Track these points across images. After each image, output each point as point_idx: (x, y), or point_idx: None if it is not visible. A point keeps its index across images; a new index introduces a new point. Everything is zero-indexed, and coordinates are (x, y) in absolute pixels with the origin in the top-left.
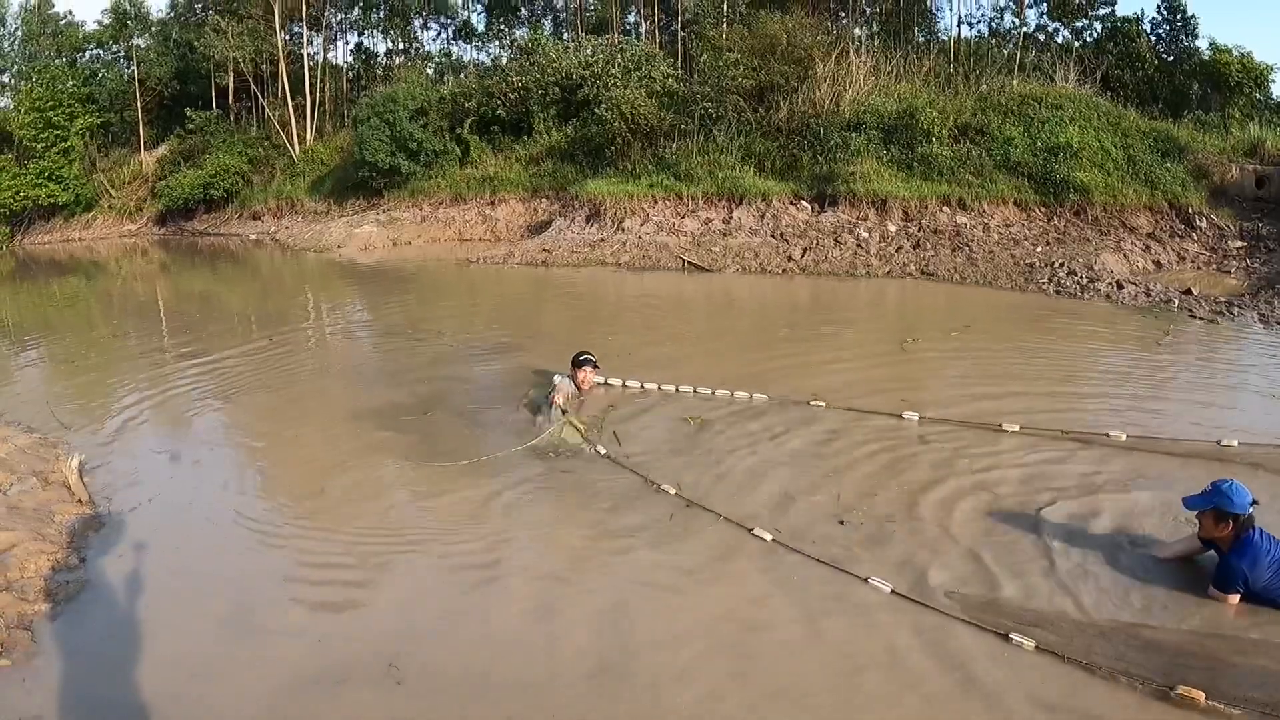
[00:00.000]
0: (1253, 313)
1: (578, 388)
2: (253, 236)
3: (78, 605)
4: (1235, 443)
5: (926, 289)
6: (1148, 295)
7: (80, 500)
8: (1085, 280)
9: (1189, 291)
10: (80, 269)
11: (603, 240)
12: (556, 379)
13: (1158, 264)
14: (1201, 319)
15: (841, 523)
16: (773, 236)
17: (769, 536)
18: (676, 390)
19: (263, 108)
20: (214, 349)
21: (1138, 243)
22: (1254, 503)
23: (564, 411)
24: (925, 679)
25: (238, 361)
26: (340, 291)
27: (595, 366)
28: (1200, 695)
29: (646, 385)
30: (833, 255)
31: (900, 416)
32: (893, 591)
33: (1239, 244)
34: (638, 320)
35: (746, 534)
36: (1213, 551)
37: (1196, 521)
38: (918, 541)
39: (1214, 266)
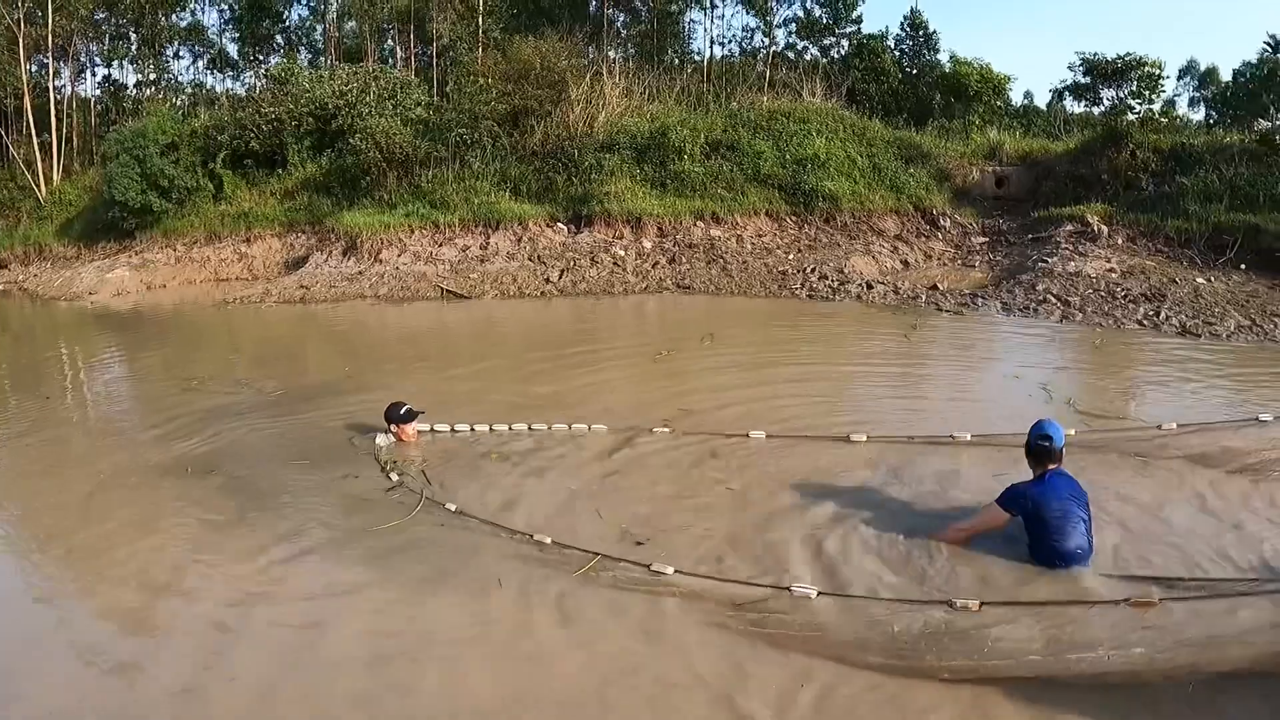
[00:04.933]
0: (995, 302)
1: (400, 440)
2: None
3: None
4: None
5: (684, 302)
6: (896, 293)
7: None
8: (836, 283)
9: (935, 287)
10: None
11: (360, 273)
12: (379, 438)
13: (906, 263)
14: (948, 311)
15: (640, 544)
16: (530, 260)
17: (671, 570)
18: (510, 429)
19: (6, 146)
20: None
21: (886, 245)
22: (1043, 439)
23: (395, 472)
24: None
25: None
26: (93, 342)
27: (419, 413)
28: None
29: (467, 427)
30: (590, 275)
31: (747, 435)
32: (819, 594)
33: (982, 240)
34: (405, 355)
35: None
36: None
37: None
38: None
39: (959, 262)
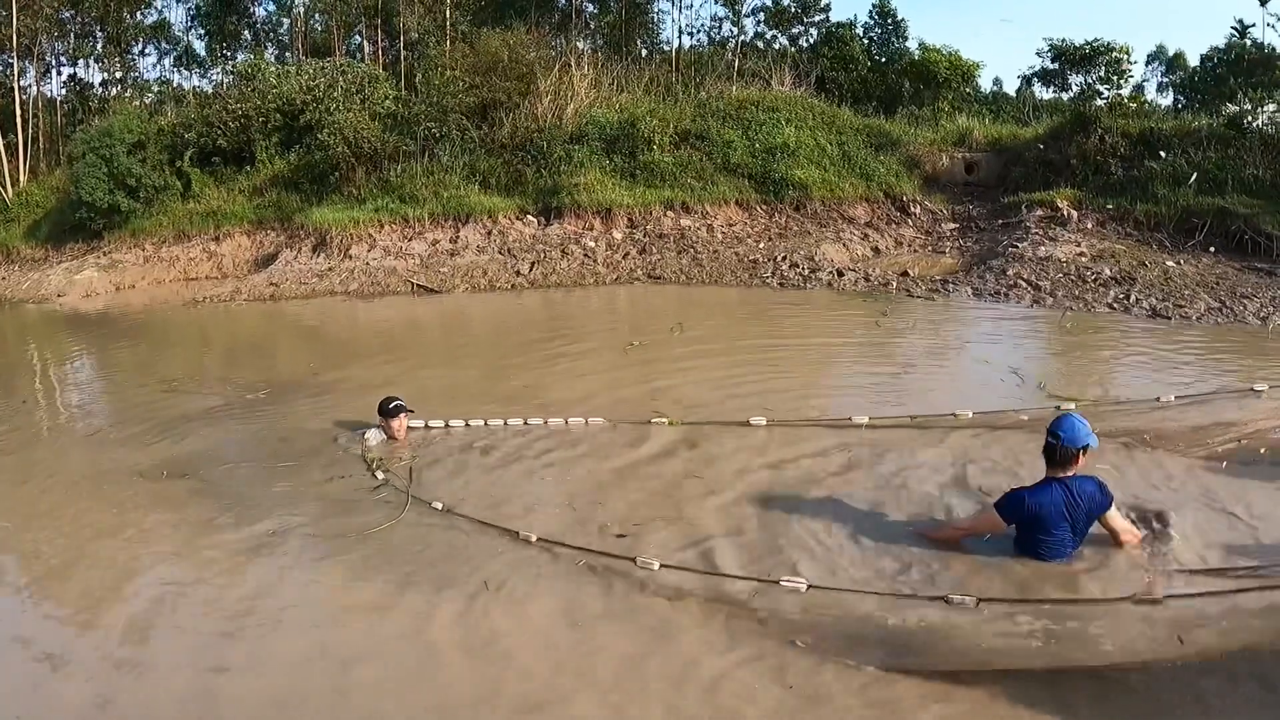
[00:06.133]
0: (966, 287)
1: (391, 437)
2: None
3: None
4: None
5: (655, 292)
6: (867, 280)
7: None
8: (807, 271)
9: (906, 273)
10: None
11: (330, 270)
12: (367, 434)
13: (876, 250)
14: (919, 297)
15: (621, 535)
16: (500, 253)
17: (656, 564)
18: (505, 424)
19: None
20: None
21: (856, 232)
22: (1051, 436)
23: (381, 470)
24: None
25: None
26: (65, 345)
27: (409, 411)
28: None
29: (461, 423)
30: (560, 267)
31: (747, 423)
32: (810, 587)
33: (952, 226)
34: (378, 351)
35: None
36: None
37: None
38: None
39: (930, 248)
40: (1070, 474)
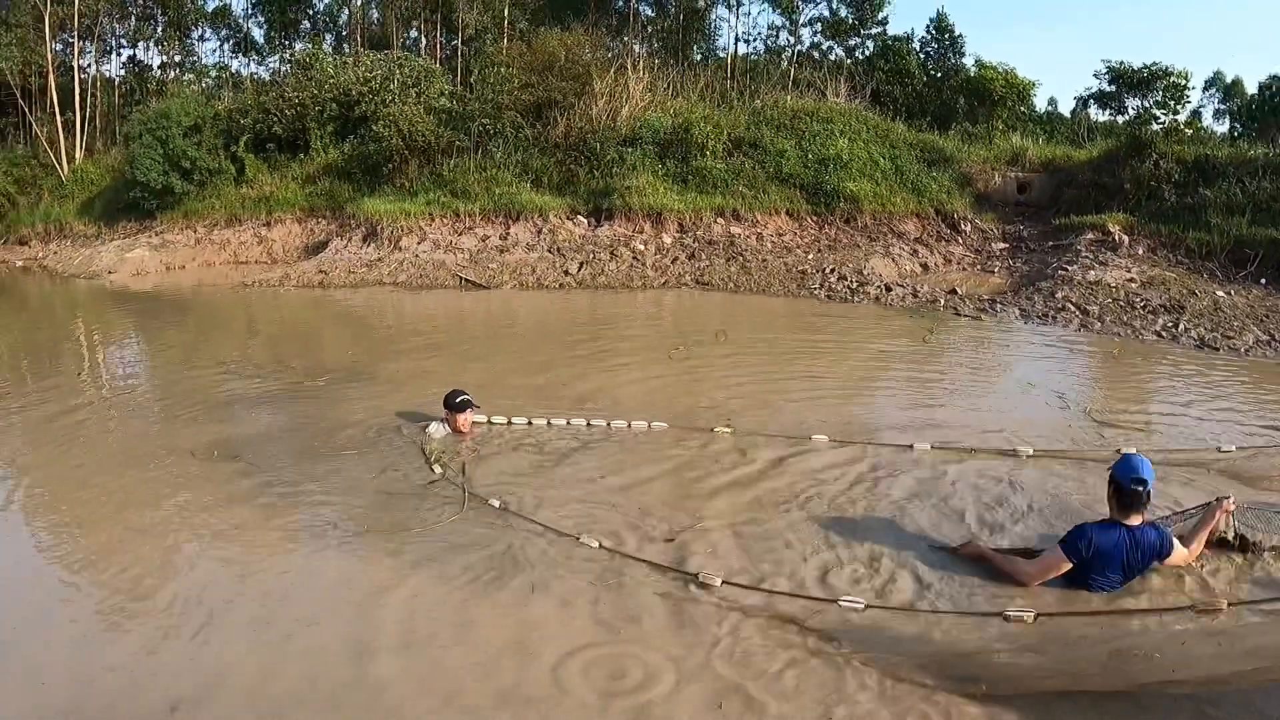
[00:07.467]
0: (1014, 308)
1: (456, 431)
2: (19, 263)
3: None
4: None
5: (702, 298)
6: (915, 296)
7: None
8: (855, 284)
9: (954, 291)
10: None
11: (380, 260)
12: (430, 427)
13: (925, 267)
14: (966, 316)
15: (669, 540)
16: (549, 252)
17: (719, 580)
18: (568, 424)
19: (30, 124)
20: None
21: (905, 247)
22: (1138, 483)
23: (439, 464)
24: None
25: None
26: (115, 320)
27: (475, 406)
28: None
29: (524, 420)
30: (609, 269)
31: (809, 439)
32: (867, 606)
33: (1002, 245)
34: (427, 343)
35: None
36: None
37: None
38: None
39: (979, 267)
40: (1139, 523)
